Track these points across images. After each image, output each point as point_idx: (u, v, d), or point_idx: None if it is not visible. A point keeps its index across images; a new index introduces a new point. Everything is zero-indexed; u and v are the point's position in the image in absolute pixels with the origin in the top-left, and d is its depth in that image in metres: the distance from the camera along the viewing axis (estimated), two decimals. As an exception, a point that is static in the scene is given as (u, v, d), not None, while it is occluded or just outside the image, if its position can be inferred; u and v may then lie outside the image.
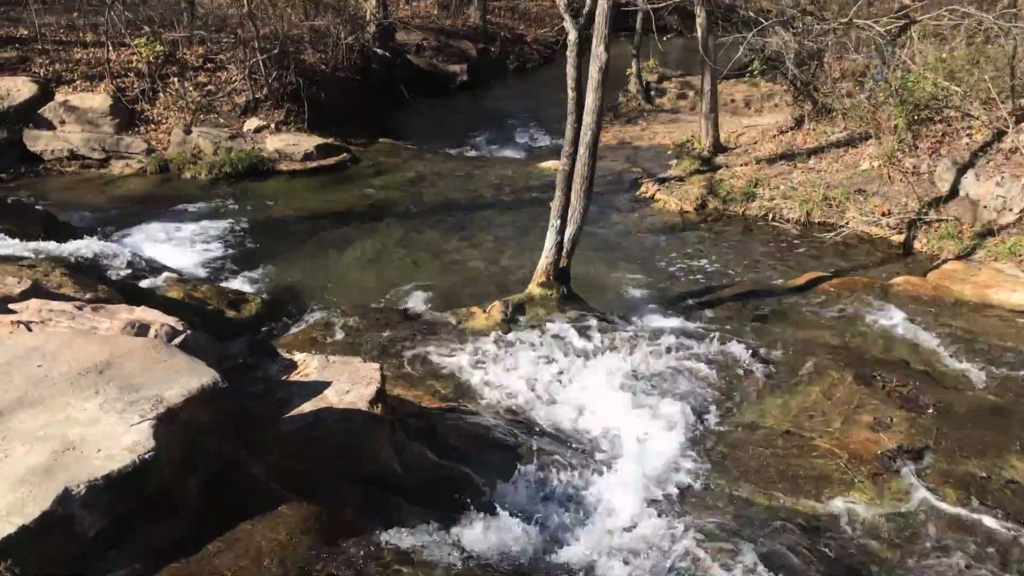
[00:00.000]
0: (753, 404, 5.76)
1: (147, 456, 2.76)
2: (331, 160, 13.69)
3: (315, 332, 7.36)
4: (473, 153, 15.19)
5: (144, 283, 8.06)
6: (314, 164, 13.46)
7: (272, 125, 14.24)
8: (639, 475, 4.67)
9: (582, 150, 7.17)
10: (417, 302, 8.51)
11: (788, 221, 10.60)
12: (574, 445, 5.23)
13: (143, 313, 4.59)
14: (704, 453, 5.13)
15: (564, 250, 7.51)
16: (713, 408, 5.68)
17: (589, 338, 6.76)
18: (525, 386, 6.01)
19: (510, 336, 6.82)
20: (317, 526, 2.97)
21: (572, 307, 7.36)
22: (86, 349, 3.42)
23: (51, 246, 7.99)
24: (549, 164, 13.58)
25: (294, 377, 4.73)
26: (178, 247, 9.98)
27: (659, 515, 4.27)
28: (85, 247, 8.33)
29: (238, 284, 8.95)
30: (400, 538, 3.11)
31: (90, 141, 13.35)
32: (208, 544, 2.75)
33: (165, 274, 8.48)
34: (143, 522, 2.70)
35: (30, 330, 3.98)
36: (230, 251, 10.04)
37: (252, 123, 14.15)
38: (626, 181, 12.85)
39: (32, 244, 7.91)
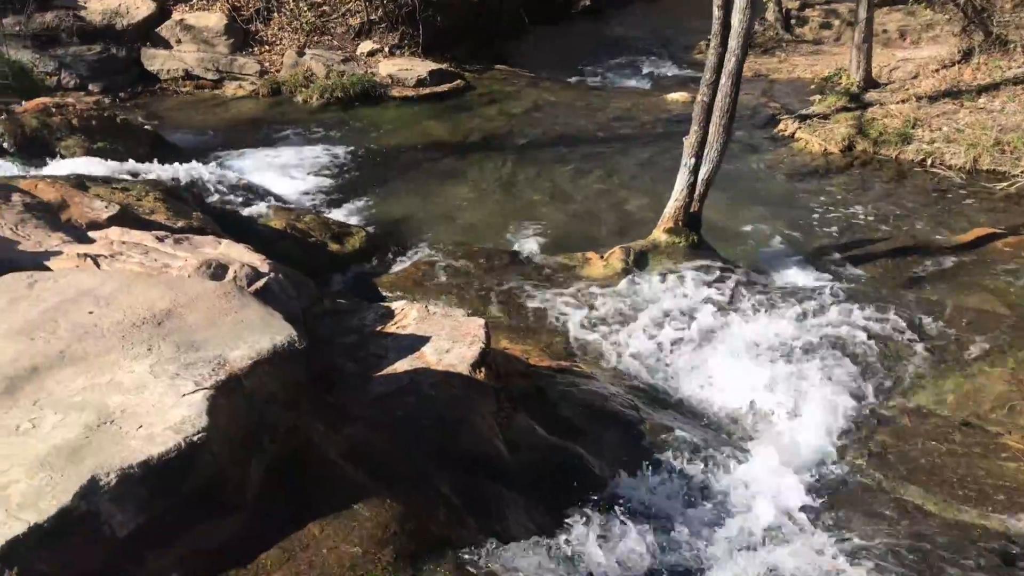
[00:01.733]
0: (919, 386, 4.88)
1: (196, 438, 2.23)
2: (444, 87, 13.05)
3: (418, 272, 6.82)
4: (593, 82, 14.24)
5: (247, 211, 7.69)
6: (427, 91, 12.84)
7: (386, 49, 13.68)
8: (782, 466, 3.94)
9: (724, 79, 6.26)
10: (528, 243, 7.85)
11: (951, 168, 9.33)
12: (704, 422, 4.52)
13: (226, 249, 4.11)
14: (861, 443, 4.34)
15: (697, 192, 6.68)
16: (870, 388, 4.83)
17: (722, 295, 5.97)
18: (647, 347, 5.30)
19: (631, 288, 6.09)
20: (401, 535, 2.41)
21: (702, 258, 6.54)
22: (146, 294, 2.92)
23: (153, 168, 7.69)
24: (676, 96, 12.56)
25: (390, 328, 4.18)
26: (284, 173, 9.60)
27: (807, 520, 3.56)
28: (188, 170, 8.00)
29: (342, 215, 8.50)
30: (505, 559, 2.51)
31: (204, 61, 13.13)
32: (264, 552, 2.23)
33: (269, 202, 8.10)
34: (186, 521, 2.18)
35: (98, 265, 3.53)
36: (336, 179, 9.60)
37: (365, 46, 13.63)
38: (762, 117, 11.71)
39: (134, 165, 7.63)
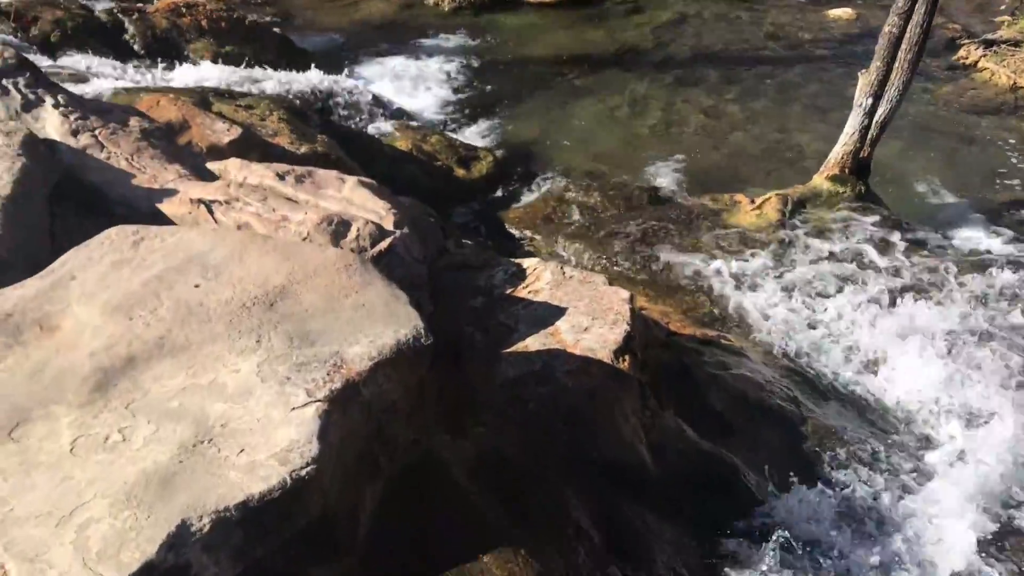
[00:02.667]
0: None
1: (304, 472, 1.87)
2: (583, -7, 12.19)
3: (548, 207, 6.33)
4: (746, -8, 13.04)
5: (372, 127, 7.34)
6: (565, -3, 12.03)
7: (523, -51, 12.84)
8: (971, 488, 3.36)
9: (919, 5, 5.34)
10: (668, 178, 7.22)
11: None
12: (872, 421, 3.94)
13: (350, 192, 3.72)
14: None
15: (870, 136, 5.86)
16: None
17: (892, 260, 5.25)
18: (803, 318, 4.70)
19: (787, 242, 5.44)
20: (534, 596, 2.02)
21: (870, 212, 5.79)
22: (260, 265, 2.56)
23: (280, 76, 7.38)
24: (839, 12, 11.33)
25: (521, 292, 3.74)
26: (411, 84, 9.15)
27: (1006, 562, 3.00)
28: (314, 80, 7.66)
29: (470, 135, 8.03)
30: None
31: (336, -42, 12.66)
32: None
33: (395, 118, 7.70)
34: (287, 571, 1.84)
35: (211, 213, 3.21)
36: (465, 93, 9.09)
37: (502, -55, 12.82)
38: (938, 41, 10.38)
39: (262, 73, 7.34)
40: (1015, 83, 8.88)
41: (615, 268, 5.39)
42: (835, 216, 5.68)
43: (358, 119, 7.48)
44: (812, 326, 4.65)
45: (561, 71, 9.78)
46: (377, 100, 8.00)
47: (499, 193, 6.97)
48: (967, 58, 9.56)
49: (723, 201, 6.41)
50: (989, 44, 9.64)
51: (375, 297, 2.53)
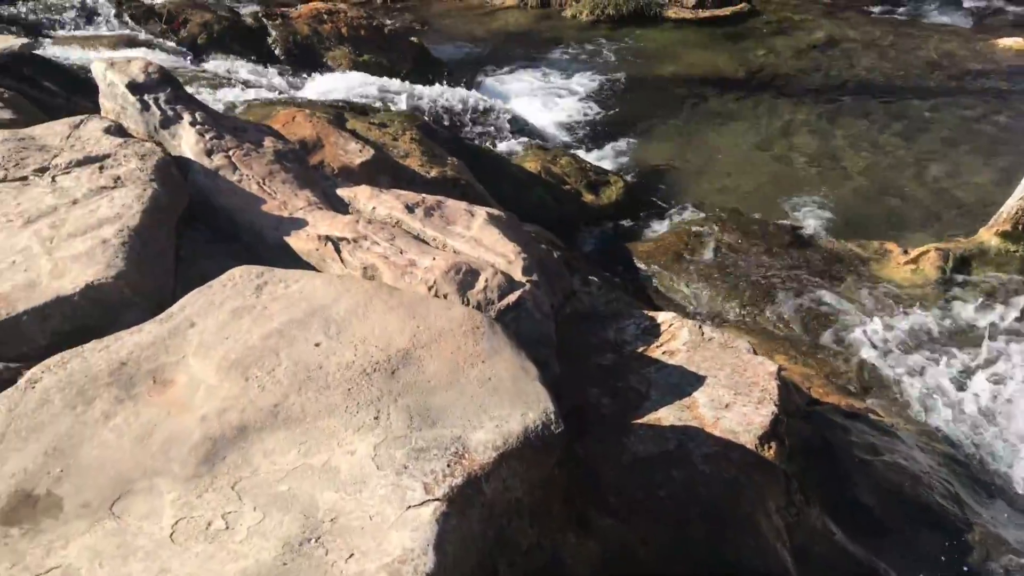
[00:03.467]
0: None
1: (417, 591, 1.65)
2: (726, 11, 11.74)
3: (680, 242, 5.99)
4: (901, 15, 12.24)
5: (501, 145, 7.18)
6: (707, 14, 11.62)
7: (666, -38, 12.49)
8: None
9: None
10: (811, 218, 6.74)
11: None
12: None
13: (479, 232, 3.52)
14: None
15: (1051, 193, 5.27)
16: None
17: (1068, 333, 4.68)
18: (967, 396, 4.22)
19: (947, 305, 4.93)
20: None
21: (1043, 276, 5.20)
22: (384, 322, 2.38)
23: (415, 90, 7.32)
24: (1009, 43, 10.48)
25: (654, 351, 3.45)
26: (543, 100, 8.97)
27: None
28: (447, 94, 7.57)
29: (600, 157, 7.77)
30: None
31: (477, -34, 12.65)
32: None
33: (525, 136, 7.51)
34: None
35: (338, 252, 3.06)
36: (598, 111, 8.83)
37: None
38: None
39: (399, 85, 7.30)
40: None
41: (749, 318, 5.01)
42: (1005, 279, 5.13)
43: (488, 136, 7.33)
44: (976, 408, 4.16)
45: (699, 92, 9.40)
46: (508, 116, 7.84)
47: (628, 221, 6.67)
48: None
49: (872, 249, 5.92)
50: None
51: (503, 369, 2.30)
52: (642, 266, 5.68)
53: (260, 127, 4.07)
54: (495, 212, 3.97)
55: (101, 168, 2.99)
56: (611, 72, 9.83)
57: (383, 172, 4.74)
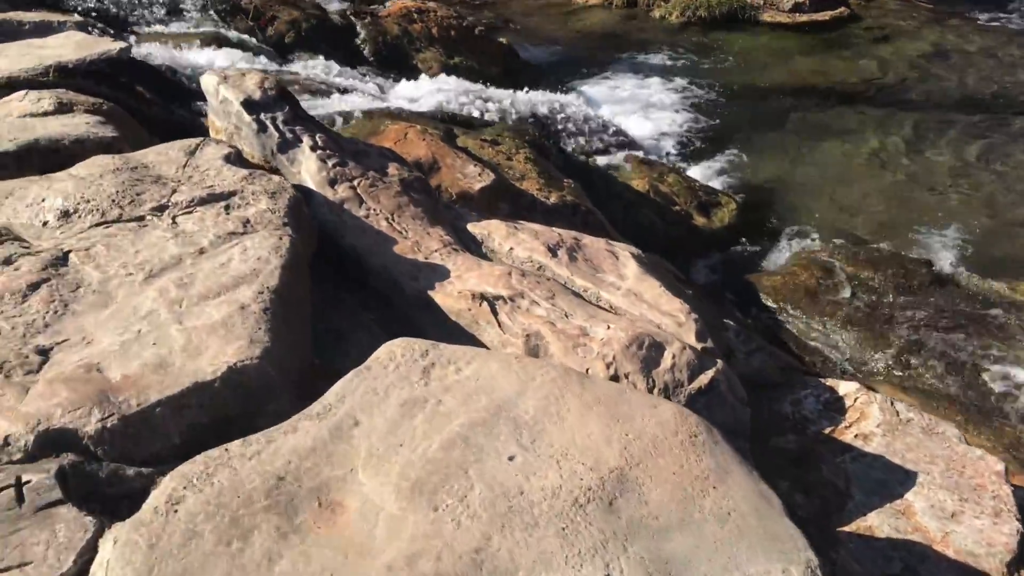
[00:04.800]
0: None
1: None
2: (825, 15, 11.10)
3: (810, 276, 5.45)
4: (1015, 24, 11.48)
5: (603, 160, 6.69)
6: (804, 18, 10.99)
7: (760, -38, 11.87)
8: None
9: None
10: (943, 251, 6.15)
11: None
12: None
13: (637, 282, 3.05)
14: None
15: None
16: None
17: None
18: None
19: None
20: None
21: None
22: (584, 426, 1.94)
23: (511, 98, 6.86)
24: None
25: (844, 433, 2.96)
26: (638, 109, 8.45)
27: None
28: (543, 101, 7.10)
29: (703, 174, 7.24)
30: None
31: (560, -38, 12.15)
32: None
33: (626, 149, 7.02)
34: None
35: (495, 312, 2.61)
36: (695, 122, 8.29)
37: (737, -43, 11.89)
38: None
39: (493, 92, 6.84)
40: None
41: (901, 371, 4.48)
42: None
43: (589, 149, 6.86)
44: None
45: (800, 103, 8.81)
46: (605, 127, 7.36)
47: (742, 247, 6.15)
48: None
49: (1022, 291, 5.34)
50: None
51: (740, 499, 1.84)
52: (772, 304, 5.16)
53: (382, 151, 3.65)
54: (638, 253, 3.51)
55: (227, 207, 2.58)
56: (707, 79, 9.28)
57: (502, 198, 4.30)
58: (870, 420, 3.00)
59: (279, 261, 2.32)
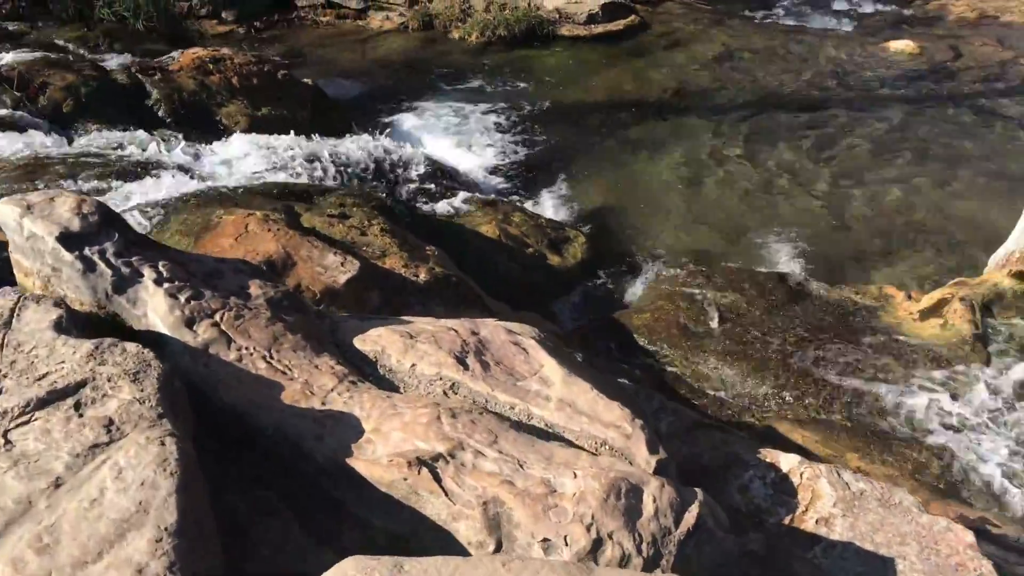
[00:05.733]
0: None
1: None
2: (618, 25, 11.31)
3: (675, 308, 5.35)
4: (786, 21, 12.21)
5: (444, 205, 6.32)
6: (600, 29, 11.13)
7: (549, -24, 11.92)
8: None
9: None
10: (786, 260, 6.32)
11: None
12: None
13: (566, 389, 2.71)
14: None
15: (1062, 228, 5.02)
16: None
17: None
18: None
19: (1000, 366, 4.55)
20: None
21: (1070, 318, 4.94)
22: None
23: (330, 147, 6.32)
24: (900, 46, 10.59)
25: (806, 521, 2.78)
26: (458, 140, 8.13)
27: None
28: (366, 148, 6.61)
29: (543, 206, 7.06)
30: None
31: (348, -13, 11.60)
32: None
33: (463, 192, 6.68)
34: None
35: (438, 479, 2.16)
36: (518, 150, 8.09)
37: (526, -27, 11.87)
38: (1013, 78, 9.67)
39: (313, 147, 6.27)
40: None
41: (795, 405, 4.45)
42: (1036, 327, 4.82)
43: (424, 194, 6.46)
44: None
45: (616, 118, 8.86)
46: (435, 166, 6.99)
47: (600, 282, 6.02)
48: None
49: (871, 295, 5.54)
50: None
51: None
52: (648, 345, 5.01)
53: (237, 266, 3.08)
54: (539, 335, 3.20)
55: (77, 406, 1.99)
56: (521, 101, 9.12)
57: (370, 286, 3.84)
58: (824, 499, 2.85)
59: (171, 483, 1.79)
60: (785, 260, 6.24)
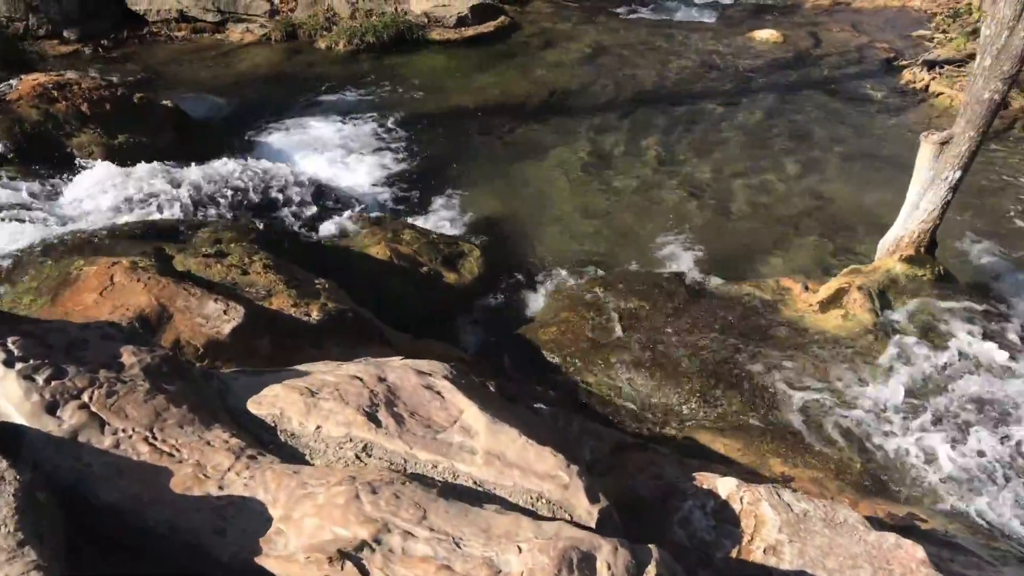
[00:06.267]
0: None
1: None
2: (489, 26, 11.13)
3: (579, 318, 5.21)
4: (651, 16, 12.33)
5: (328, 226, 5.97)
6: (471, 32, 10.93)
7: (415, -20, 11.62)
8: None
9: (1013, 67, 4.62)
10: (679, 257, 6.28)
11: None
12: None
13: (491, 439, 2.48)
14: None
15: (944, 211, 5.14)
16: None
17: (1016, 359, 4.53)
18: (980, 470, 3.86)
19: (901, 353, 4.60)
20: None
21: (957, 298, 5.06)
22: None
23: (201, 175, 5.86)
24: (764, 35, 10.88)
25: (754, 552, 2.64)
26: (334, 157, 7.73)
27: None
28: (241, 171, 6.17)
29: (433, 220, 6.78)
30: None
31: (202, 0, 10.93)
32: None
33: (347, 212, 6.34)
34: None
35: (365, 574, 1.89)
36: (399, 161, 7.78)
37: (391, -23, 11.53)
38: (873, 62, 10.07)
39: (179, 173, 5.80)
40: (978, 109, 8.55)
41: (710, 411, 4.37)
42: (932, 309, 4.90)
43: (306, 218, 6.09)
44: (976, 472, 3.81)
45: (495, 120, 8.67)
46: (314, 185, 6.60)
47: (501, 297, 5.81)
48: (915, 82, 9.21)
49: (769, 288, 5.55)
50: (931, 65, 9.34)
51: None
52: (557, 361, 4.84)
53: (104, 330, 2.69)
54: (449, 372, 2.97)
55: (-88, 546, 1.61)
56: (395, 109, 8.79)
57: (259, 334, 3.49)
58: (768, 525, 2.72)
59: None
60: (679, 258, 6.20)
